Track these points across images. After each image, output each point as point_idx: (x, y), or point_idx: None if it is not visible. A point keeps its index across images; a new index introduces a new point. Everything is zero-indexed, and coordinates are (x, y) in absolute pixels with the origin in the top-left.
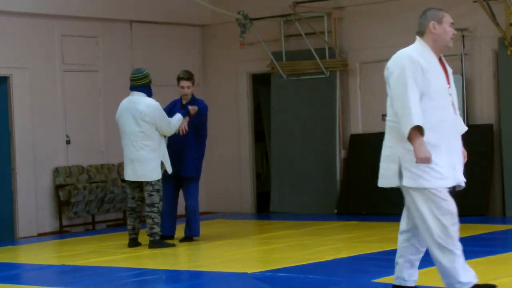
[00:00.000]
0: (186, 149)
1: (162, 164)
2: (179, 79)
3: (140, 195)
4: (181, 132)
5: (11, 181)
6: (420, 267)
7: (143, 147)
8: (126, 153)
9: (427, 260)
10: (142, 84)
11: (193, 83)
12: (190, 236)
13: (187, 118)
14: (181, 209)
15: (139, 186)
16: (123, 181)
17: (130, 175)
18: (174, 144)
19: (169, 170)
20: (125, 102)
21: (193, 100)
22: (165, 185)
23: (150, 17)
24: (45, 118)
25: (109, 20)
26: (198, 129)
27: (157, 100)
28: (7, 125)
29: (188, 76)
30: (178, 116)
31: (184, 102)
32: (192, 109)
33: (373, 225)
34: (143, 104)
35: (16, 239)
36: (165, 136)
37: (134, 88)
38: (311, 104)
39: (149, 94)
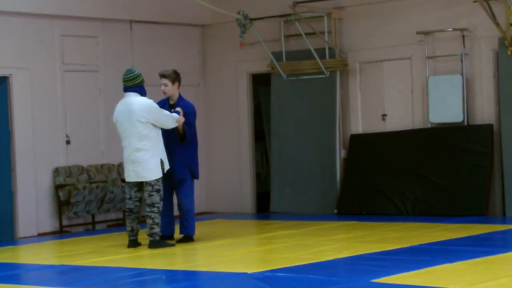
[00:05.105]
0: (171, 154)
1: (162, 162)
2: (159, 75)
3: (138, 195)
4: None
5: (11, 181)
6: (420, 267)
7: (141, 148)
8: (126, 155)
9: (427, 260)
10: (135, 84)
11: (172, 82)
12: (186, 234)
13: (183, 119)
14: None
15: (137, 185)
16: (123, 181)
17: (131, 176)
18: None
19: (167, 167)
20: (120, 105)
21: (180, 101)
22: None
23: (150, 17)
24: (45, 118)
25: (109, 20)
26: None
27: (156, 101)
28: (7, 125)
29: (163, 73)
30: (175, 116)
31: (171, 102)
32: (180, 110)
33: (373, 225)
34: (137, 104)
35: (16, 239)
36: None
37: (127, 89)
38: (311, 104)
39: (143, 93)
